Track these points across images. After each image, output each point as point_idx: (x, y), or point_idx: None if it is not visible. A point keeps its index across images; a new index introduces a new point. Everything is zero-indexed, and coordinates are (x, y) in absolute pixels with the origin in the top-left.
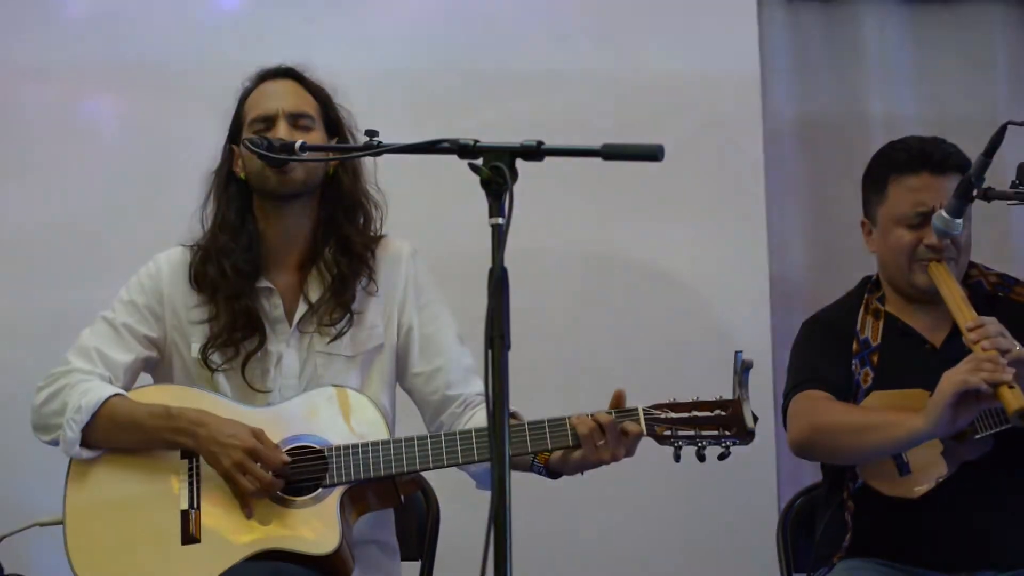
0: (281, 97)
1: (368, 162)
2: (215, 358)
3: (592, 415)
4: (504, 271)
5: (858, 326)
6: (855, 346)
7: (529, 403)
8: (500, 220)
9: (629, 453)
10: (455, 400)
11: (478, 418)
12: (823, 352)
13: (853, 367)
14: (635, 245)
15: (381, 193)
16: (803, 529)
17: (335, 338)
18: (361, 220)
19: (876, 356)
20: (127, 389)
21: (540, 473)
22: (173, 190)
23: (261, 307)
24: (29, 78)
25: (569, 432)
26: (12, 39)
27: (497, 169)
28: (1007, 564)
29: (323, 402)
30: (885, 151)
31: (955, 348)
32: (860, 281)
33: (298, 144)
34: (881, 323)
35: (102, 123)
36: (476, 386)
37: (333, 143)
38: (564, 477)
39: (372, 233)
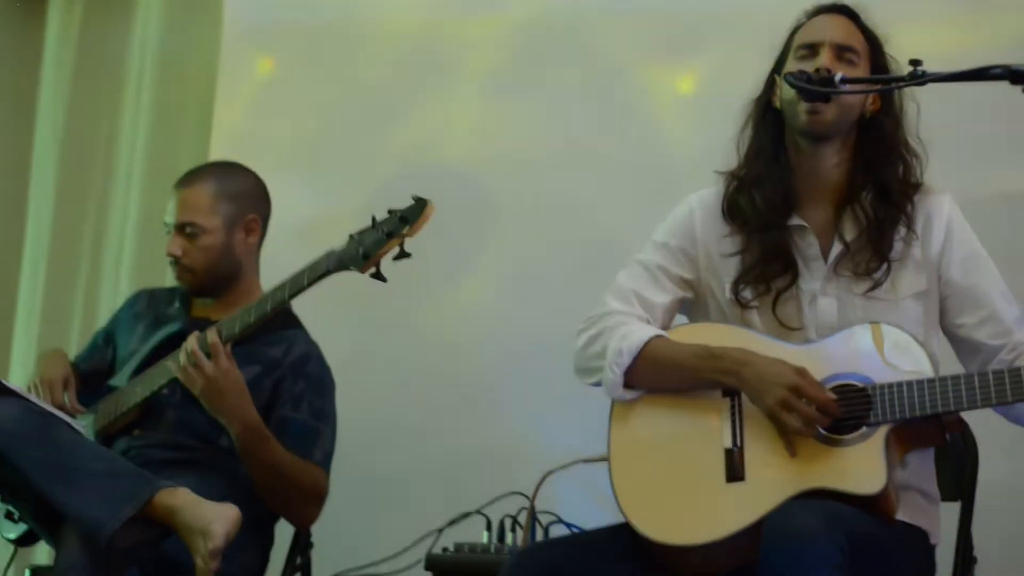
0: (831, 29)
1: (911, 111)
2: (746, 294)
3: None
4: None
5: None
6: None
7: None
8: None
9: None
10: (1003, 348)
11: None
12: None
13: None
14: None
15: (921, 144)
16: None
17: (874, 286)
18: (900, 169)
19: None
20: (665, 329)
21: None
22: None
23: (793, 244)
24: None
25: None
26: None
27: None
28: None
29: (863, 339)
30: None
31: None
32: None
33: (838, 77)
34: None
35: None
36: None
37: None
38: None
39: (911, 182)
